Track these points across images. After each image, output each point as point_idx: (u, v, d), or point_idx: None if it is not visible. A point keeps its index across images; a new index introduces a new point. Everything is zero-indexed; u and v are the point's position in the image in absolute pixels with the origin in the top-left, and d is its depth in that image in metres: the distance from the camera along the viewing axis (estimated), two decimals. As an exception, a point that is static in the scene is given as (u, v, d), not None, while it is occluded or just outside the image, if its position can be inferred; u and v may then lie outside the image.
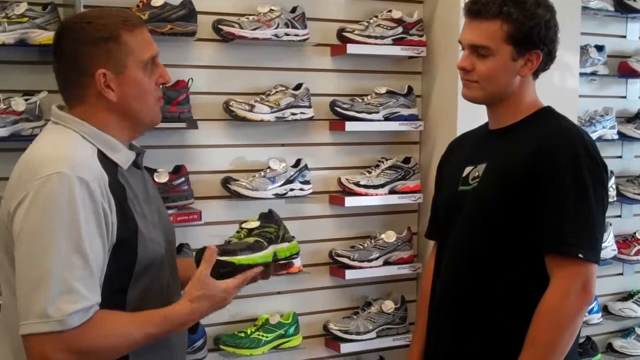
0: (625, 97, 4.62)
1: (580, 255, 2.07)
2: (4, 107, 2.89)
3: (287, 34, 3.44)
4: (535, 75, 2.29)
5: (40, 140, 1.90)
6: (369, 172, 3.72)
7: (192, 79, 3.28)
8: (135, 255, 1.85)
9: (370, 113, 3.64)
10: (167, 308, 1.86)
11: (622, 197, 4.42)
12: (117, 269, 1.81)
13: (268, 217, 2.12)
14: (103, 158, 1.86)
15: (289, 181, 3.48)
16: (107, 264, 1.79)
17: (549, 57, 2.26)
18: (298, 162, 3.56)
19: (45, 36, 2.93)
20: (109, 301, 1.78)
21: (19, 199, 1.74)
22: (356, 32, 3.60)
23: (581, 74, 4.05)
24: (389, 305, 3.73)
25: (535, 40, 2.20)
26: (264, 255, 2.00)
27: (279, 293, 3.63)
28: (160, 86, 1.98)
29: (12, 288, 1.79)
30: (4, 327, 1.90)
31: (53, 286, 1.67)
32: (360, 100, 3.66)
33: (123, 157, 1.91)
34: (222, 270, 1.89)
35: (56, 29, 1.97)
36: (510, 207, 2.16)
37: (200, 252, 1.91)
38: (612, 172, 4.32)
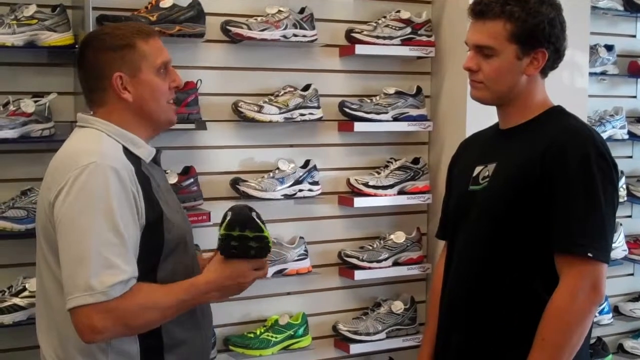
0: (635, 96, 4.60)
1: (590, 255, 2.06)
2: (14, 108, 2.90)
3: (295, 35, 3.45)
4: (544, 74, 2.27)
5: (71, 140, 2.11)
6: (378, 173, 3.72)
7: (200, 80, 3.29)
8: (162, 237, 2.05)
9: (379, 113, 3.64)
10: (193, 277, 2.07)
11: (632, 197, 4.40)
12: (147, 250, 2.00)
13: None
14: (127, 153, 2.06)
15: (297, 182, 3.48)
16: (138, 246, 1.98)
17: (557, 55, 2.25)
18: (307, 162, 3.56)
19: (55, 38, 2.95)
20: (141, 279, 1.96)
21: (59, 188, 1.93)
22: (365, 32, 3.60)
23: (591, 74, 4.04)
24: (398, 306, 3.72)
25: (539, 38, 2.19)
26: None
27: (288, 294, 3.63)
28: (174, 91, 2.18)
29: (54, 275, 1.99)
30: (47, 312, 2.08)
31: (94, 262, 1.86)
32: (369, 101, 3.66)
33: (145, 152, 2.12)
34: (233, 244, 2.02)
35: (79, 43, 2.23)
36: (520, 206, 2.15)
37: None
38: (622, 172, 4.30)
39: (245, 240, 2.02)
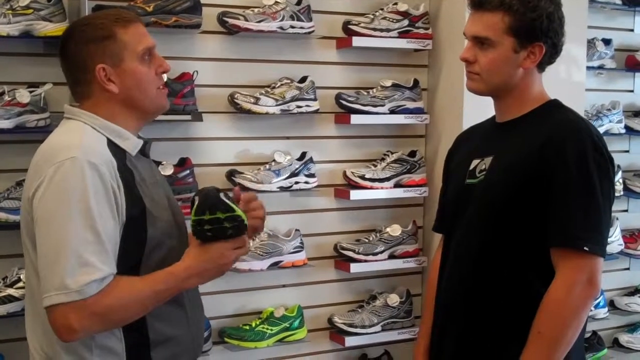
0: (632, 91, 4.59)
1: (585, 248, 2.06)
2: (9, 99, 2.89)
3: (292, 27, 3.43)
4: (541, 68, 2.27)
5: (55, 133, 2.08)
6: (375, 166, 3.71)
7: (197, 71, 3.27)
8: (145, 233, 2.01)
9: (375, 106, 3.63)
10: (172, 265, 2.01)
11: (629, 192, 4.40)
12: (130, 246, 1.97)
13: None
14: (112, 146, 2.02)
15: (294, 174, 3.48)
16: (120, 242, 1.95)
17: (554, 50, 2.25)
18: (303, 155, 3.55)
19: (50, 28, 2.93)
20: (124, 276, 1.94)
21: (37, 184, 1.91)
22: (362, 24, 3.59)
23: (588, 68, 4.03)
24: (394, 299, 3.72)
25: (537, 32, 2.18)
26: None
27: (283, 286, 3.63)
28: (163, 76, 2.15)
29: (36, 270, 1.95)
30: (32, 308, 2.05)
31: (70, 260, 1.84)
32: (365, 93, 3.65)
33: (131, 145, 2.07)
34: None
35: (61, 34, 2.17)
36: (517, 199, 2.15)
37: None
38: (619, 166, 4.30)
39: (219, 223, 1.97)
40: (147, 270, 2.00)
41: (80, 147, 1.93)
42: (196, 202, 1.98)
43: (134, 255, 1.99)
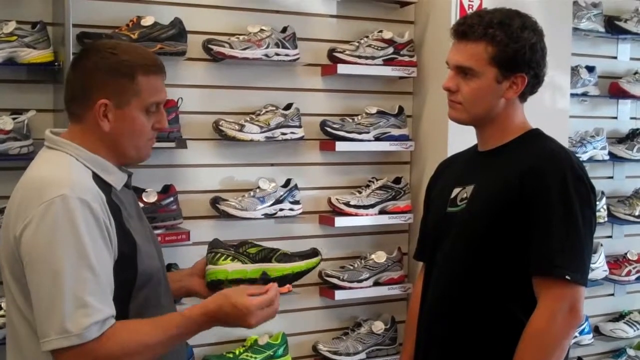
0: (616, 117, 4.63)
1: (567, 278, 2.06)
2: (-8, 125, 2.88)
3: (277, 54, 3.45)
4: (523, 98, 2.28)
5: (38, 165, 1.97)
6: (359, 192, 3.71)
7: (181, 98, 3.28)
8: (135, 269, 1.93)
9: (360, 133, 3.64)
10: (185, 310, 1.94)
11: (613, 218, 4.42)
12: (120, 284, 1.88)
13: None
14: (97, 179, 1.93)
15: (278, 201, 3.47)
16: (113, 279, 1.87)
17: (536, 81, 2.26)
18: (288, 182, 3.55)
19: (34, 55, 2.94)
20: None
21: (24, 223, 1.81)
22: (347, 52, 3.61)
23: (572, 95, 4.06)
24: (379, 326, 3.71)
25: (520, 63, 2.19)
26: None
27: (268, 313, 3.60)
28: (156, 131, 2.05)
29: (18, 308, 1.88)
30: (14, 345, 1.95)
31: (67, 302, 1.75)
32: (350, 120, 3.66)
33: (117, 179, 1.99)
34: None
35: (86, 46, 2.10)
36: (498, 228, 2.15)
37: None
38: (603, 192, 4.33)
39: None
40: (136, 307, 1.93)
41: (69, 184, 1.83)
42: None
43: (123, 292, 1.90)
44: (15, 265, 1.86)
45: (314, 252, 2.25)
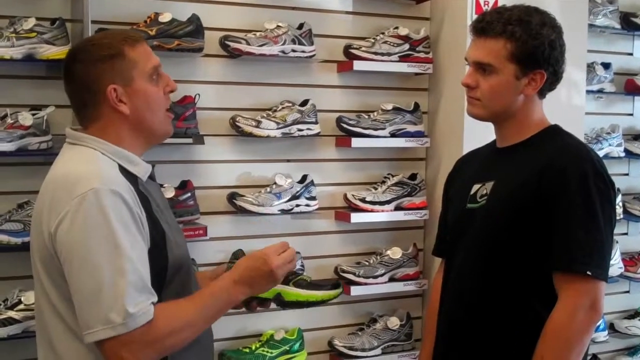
0: (632, 114, 4.62)
1: (588, 273, 2.06)
2: (11, 121, 2.90)
3: (294, 50, 3.45)
4: (542, 94, 2.28)
5: (64, 161, 1.98)
6: (375, 189, 3.72)
7: (199, 94, 3.29)
8: (166, 259, 1.97)
9: (376, 129, 3.64)
10: (214, 281, 2.02)
11: (628, 215, 4.41)
12: (153, 273, 1.90)
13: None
14: (124, 172, 1.95)
15: (294, 197, 3.48)
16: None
17: (555, 77, 2.26)
18: (304, 177, 3.56)
19: (53, 51, 2.95)
20: None
21: (58, 219, 1.83)
22: (363, 48, 3.61)
23: (588, 92, 4.05)
24: (394, 322, 3.72)
25: (539, 59, 2.19)
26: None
27: (284, 309, 3.61)
28: (169, 96, 2.08)
29: (49, 302, 1.91)
30: (43, 338, 1.98)
31: (108, 293, 1.78)
32: (366, 117, 3.66)
33: (142, 170, 2.02)
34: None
35: (65, 56, 2.08)
36: (518, 224, 2.15)
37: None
38: (618, 189, 4.31)
39: None
40: (170, 296, 1.96)
41: (99, 177, 1.85)
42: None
43: (157, 281, 1.92)
44: (50, 261, 1.87)
45: (334, 285, 2.27)
